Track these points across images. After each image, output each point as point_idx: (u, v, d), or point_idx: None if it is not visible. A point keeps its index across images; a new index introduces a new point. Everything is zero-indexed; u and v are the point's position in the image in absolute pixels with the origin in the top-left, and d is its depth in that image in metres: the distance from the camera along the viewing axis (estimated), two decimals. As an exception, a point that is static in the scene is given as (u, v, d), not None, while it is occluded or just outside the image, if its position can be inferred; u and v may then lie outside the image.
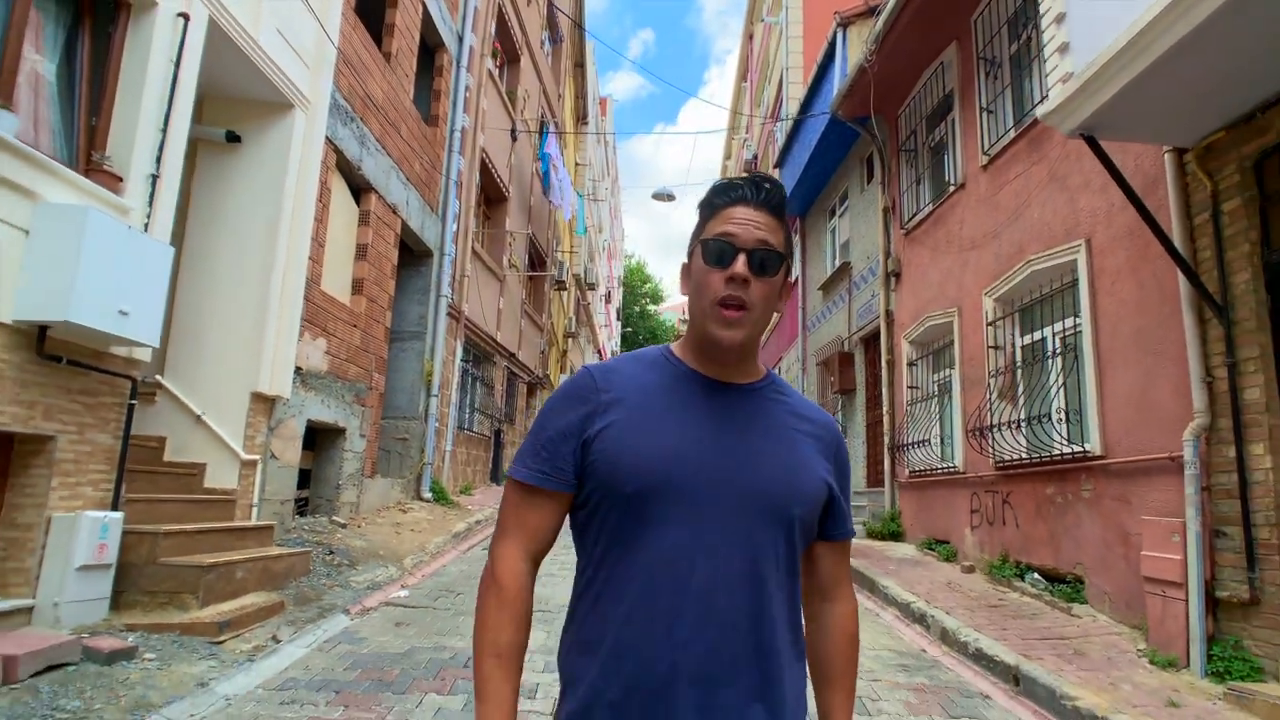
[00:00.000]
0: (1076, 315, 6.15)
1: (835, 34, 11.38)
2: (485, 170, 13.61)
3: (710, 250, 1.17)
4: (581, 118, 29.32)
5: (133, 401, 4.84)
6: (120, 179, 4.72)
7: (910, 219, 9.66)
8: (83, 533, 4.23)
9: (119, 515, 4.54)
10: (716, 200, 1.21)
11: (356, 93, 8.27)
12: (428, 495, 10.47)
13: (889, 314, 10.19)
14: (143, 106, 4.91)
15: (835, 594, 1.30)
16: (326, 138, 7.42)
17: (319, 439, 8.10)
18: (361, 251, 8.81)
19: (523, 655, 1.15)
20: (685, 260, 1.27)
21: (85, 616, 4.24)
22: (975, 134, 8.02)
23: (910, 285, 9.63)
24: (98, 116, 4.80)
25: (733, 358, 1.21)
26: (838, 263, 12.74)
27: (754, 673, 1.11)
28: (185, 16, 5.20)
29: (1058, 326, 6.53)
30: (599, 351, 43.77)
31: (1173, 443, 4.79)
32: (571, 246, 24.38)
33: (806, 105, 13.04)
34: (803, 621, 1.27)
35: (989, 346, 7.41)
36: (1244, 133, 4.48)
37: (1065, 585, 6.04)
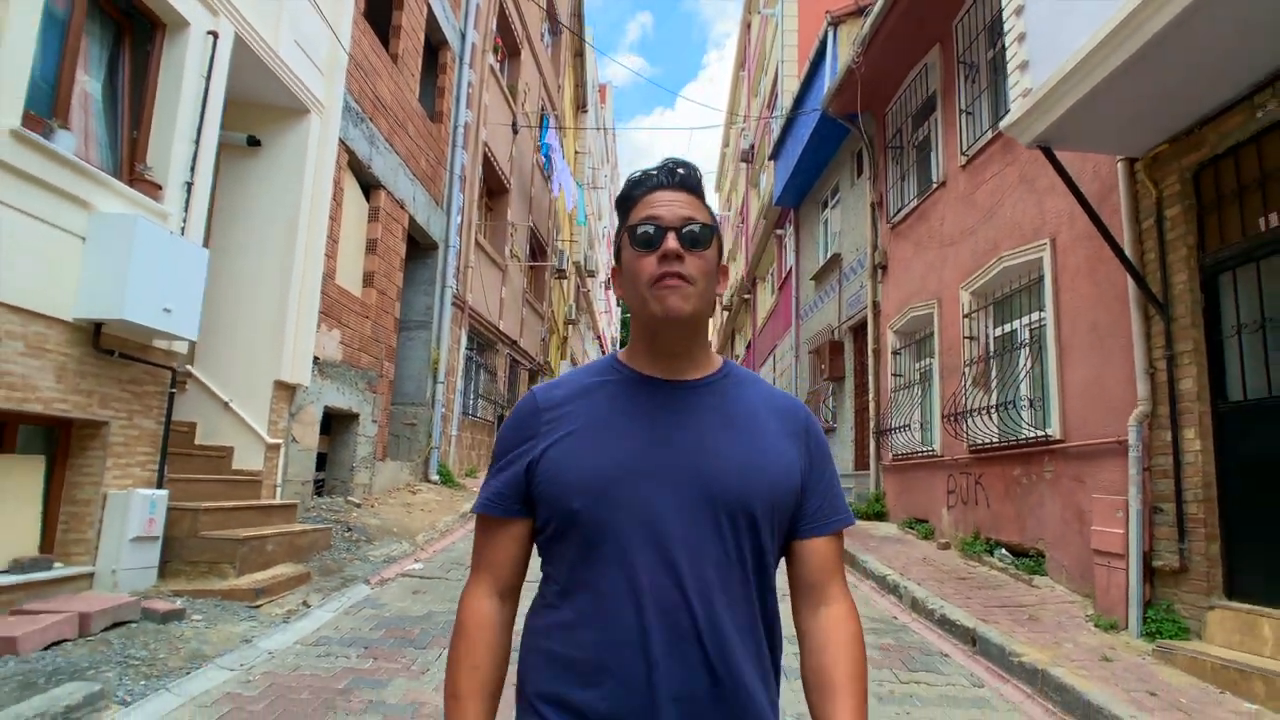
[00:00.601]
0: (1042, 310, 6.62)
1: (826, 33, 11.77)
2: (487, 163, 14.03)
3: (638, 238, 1.13)
4: (581, 106, 29.57)
5: (173, 390, 5.33)
6: (160, 187, 5.16)
7: (896, 214, 10.10)
8: (134, 508, 4.71)
9: (164, 493, 5.02)
10: (634, 192, 1.19)
11: (366, 94, 8.69)
12: (435, 478, 10.97)
13: (876, 305, 10.65)
14: (178, 119, 5.35)
15: (825, 595, 1.19)
16: (339, 139, 7.85)
17: (334, 424, 8.58)
18: (372, 246, 9.25)
19: (489, 694, 1.13)
20: (613, 264, 1.24)
21: (138, 583, 4.73)
22: (955, 134, 8.45)
23: (895, 278, 10.09)
24: (138, 129, 5.24)
25: (684, 338, 1.17)
26: (830, 254, 13.18)
27: (716, 689, 1.08)
28: (214, 34, 5.64)
29: (1026, 319, 7.00)
30: (599, 338, 44.23)
31: (1120, 428, 5.26)
32: (572, 235, 24.77)
33: (799, 101, 13.43)
34: (778, 628, 1.19)
35: (965, 337, 7.88)
36: (1183, 146, 4.92)
37: (1029, 559, 6.54)
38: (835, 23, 11.67)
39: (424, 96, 11.34)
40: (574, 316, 28.76)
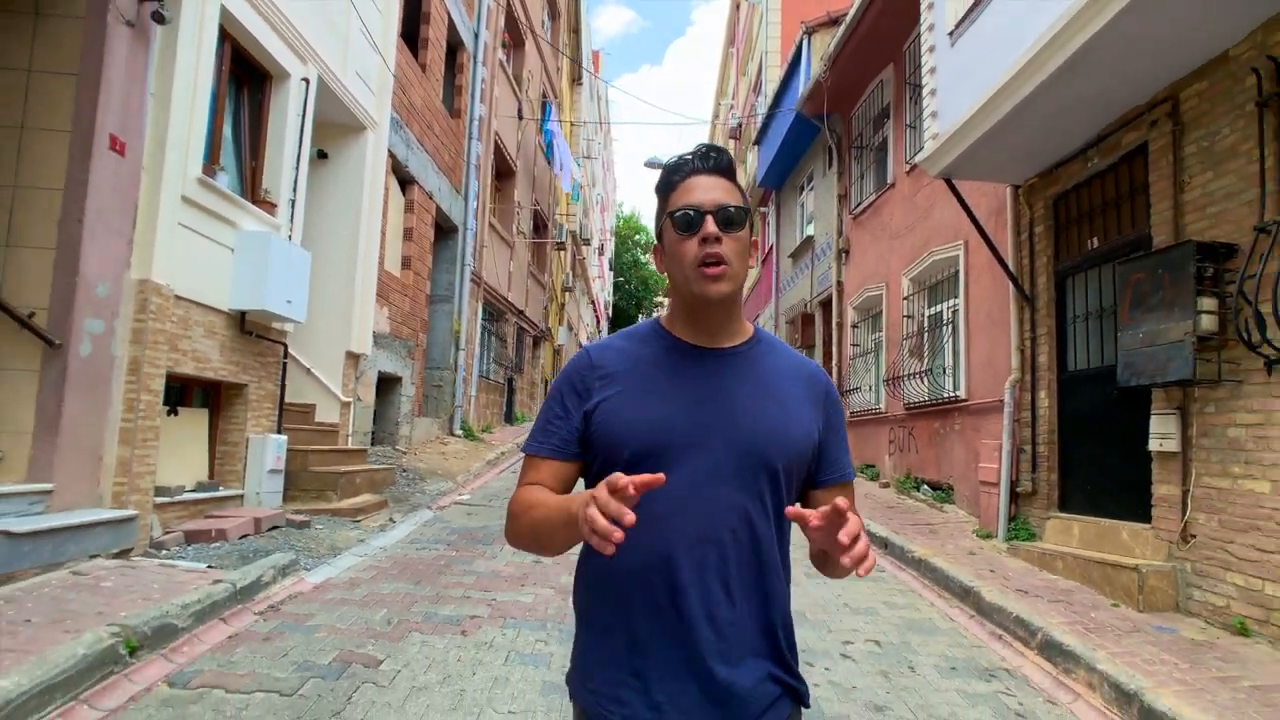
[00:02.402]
0: (957, 297, 8.32)
1: (801, 40, 13.26)
2: (497, 150, 15.52)
3: (679, 221, 1.23)
4: (576, 79, 30.77)
5: (285, 360, 6.98)
6: (275, 205, 6.76)
7: (857, 206, 11.74)
8: (268, 448, 6.40)
9: (284, 437, 6.71)
10: (673, 178, 1.28)
11: (403, 104, 10.20)
12: (459, 432, 12.69)
13: (839, 284, 12.34)
14: (285, 149, 6.93)
15: None
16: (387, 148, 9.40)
17: (383, 386, 10.26)
18: (408, 234, 10.84)
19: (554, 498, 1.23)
20: (656, 241, 1.34)
21: (272, 503, 6.44)
22: (903, 144, 10.06)
23: (855, 262, 11.77)
24: (255, 160, 6.82)
25: (722, 312, 1.28)
26: (805, 235, 14.80)
27: (755, 597, 1.24)
28: (307, 80, 7.18)
29: (948, 303, 8.71)
30: (593, 302, 45.75)
31: (1001, 390, 7.00)
32: (568, 210, 26.21)
33: (779, 96, 14.93)
34: (788, 565, 1.32)
35: (904, 316, 9.60)
36: (1048, 180, 6.58)
37: (942, 492, 8.34)
38: (810, 31, 13.15)
39: (444, 96, 12.80)
40: (570, 284, 30.28)
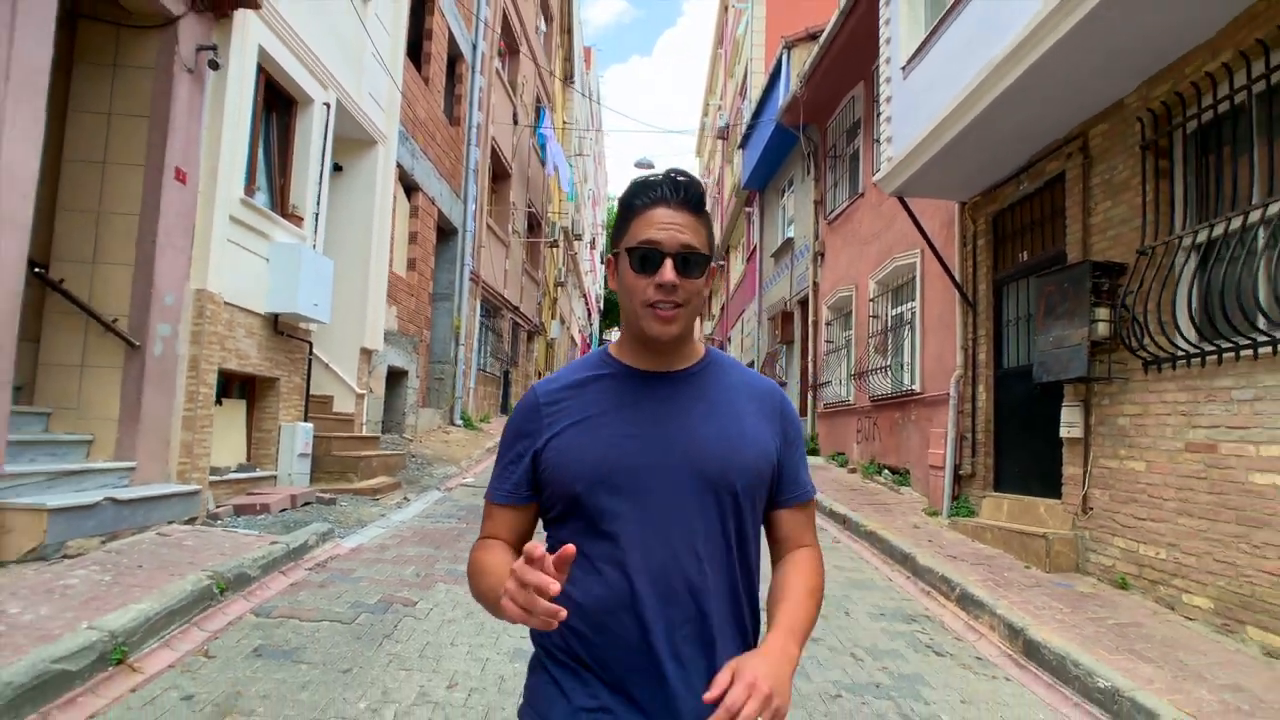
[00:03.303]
0: (914, 300, 9.21)
1: (781, 54, 14.08)
2: (494, 154, 16.30)
3: (636, 257, 1.20)
4: (568, 78, 31.48)
5: (311, 357, 7.80)
6: (302, 218, 7.58)
7: (832, 212, 12.60)
8: (297, 434, 7.23)
9: (310, 425, 7.54)
10: (636, 201, 1.23)
11: (409, 118, 10.99)
12: (459, 422, 13.53)
13: (816, 285, 13.22)
14: (309, 166, 7.73)
15: (796, 546, 1.34)
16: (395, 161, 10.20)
17: (391, 379, 11.07)
18: (413, 238, 11.65)
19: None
20: (611, 255, 1.30)
21: (302, 483, 7.27)
22: (871, 157, 10.91)
23: (830, 264, 12.64)
24: (283, 177, 7.63)
25: (669, 349, 1.26)
26: (785, 237, 15.67)
27: (704, 645, 1.20)
28: (328, 105, 7.98)
29: (908, 305, 9.59)
30: (585, 296, 46.56)
31: (948, 385, 7.89)
32: (560, 208, 26.99)
33: (760, 107, 15.76)
34: (756, 592, 1.30)
35: (870, 315, 10.48)
36: (989, 198, 7.45)
37: (900, 476, 9.24)
38: (789, 46, 13.97)
39: (445, 105, 13.58)
40: (563, 279, 31.05)
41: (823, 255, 13.01)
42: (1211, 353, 4.54)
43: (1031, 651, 4.23)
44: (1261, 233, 4.31)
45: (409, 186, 11.48)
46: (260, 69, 6.76)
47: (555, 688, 1.22)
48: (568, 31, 28.66)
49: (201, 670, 3.29)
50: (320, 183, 7.89)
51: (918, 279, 9.05)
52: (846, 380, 11.71)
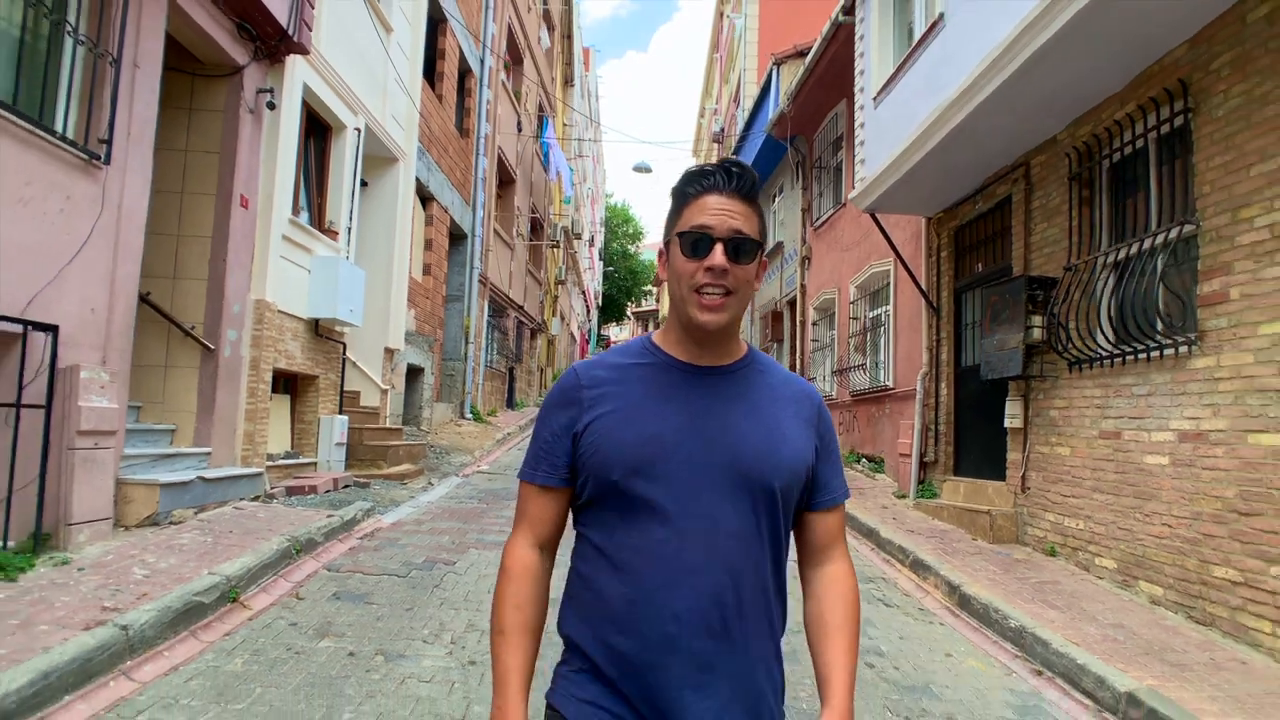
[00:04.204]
0: (889, 304, 10.11)
1: (771, 70, 14.95)
2: (500, 162, 17.16)
3: (687, 242, 1.20)
4: (568, 81, 32.31)
5: (345, 357, 8.70)
6: (338, 233, 8.46)
7: (818, 219, 13.49)
8: (336, 426, 8.13)
9: (345, 418, 8.43)
10: (689, 189, 1.24)
11: (425, 134, 11.86)
12: (469, 416, 14.43)
13: (803, 287, 14.12)
14: (343, 186, 8.62)
15: (828, 556, 1.34)
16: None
17: (409, 375, 11.96)
18: (428, 244, 12.54)
19: (530, 631, 1.25)
20: (662, 246, 1.30)
21: (339, 469, 8.17)
22: (852, 170, 11.79)
23: (815, 268, 13.54)
24: (321, 196, 8.51)
25: (716, 339, 1.26)
26: (775, 240, 16.56)
27: (727, 642, 1.19)
28: (359, 130, 8.86)
29: (883, 309, 10.50)
30: (584, 292, 47.43)
31: (915, 381, 8.80)
32: (561, 209, 27.86)
33: (752, 117, 16.64)
34: (785, 591, 1.31)
35: (851, 317, 11.38)
36: (951, 215, 8.35)
37: (876, 464, 10.15)
38: (779, 62, 14.83)
39: (455, 118, 14.44)
40: (563, 277, 31.92)
41: (809, 260, 13.91)
42: (1119, 355, 5.44)
43: (964, 603, 5.14)
44: (1161, 255, 5.20)
45: (425, 197, 12.35)
46: (304, 103, 7.64)
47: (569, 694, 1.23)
48: (568, 37, 29.50)
49: (296, 607, 4.20)
50: (352, 200, 8.78)
51: (891, 285, 9.95)
52: (830, 376, 12.62)
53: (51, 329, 4.14)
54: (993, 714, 3.57)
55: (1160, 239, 5.13)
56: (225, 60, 6.18)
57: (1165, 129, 5.18)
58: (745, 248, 1.20)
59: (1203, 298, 4.69)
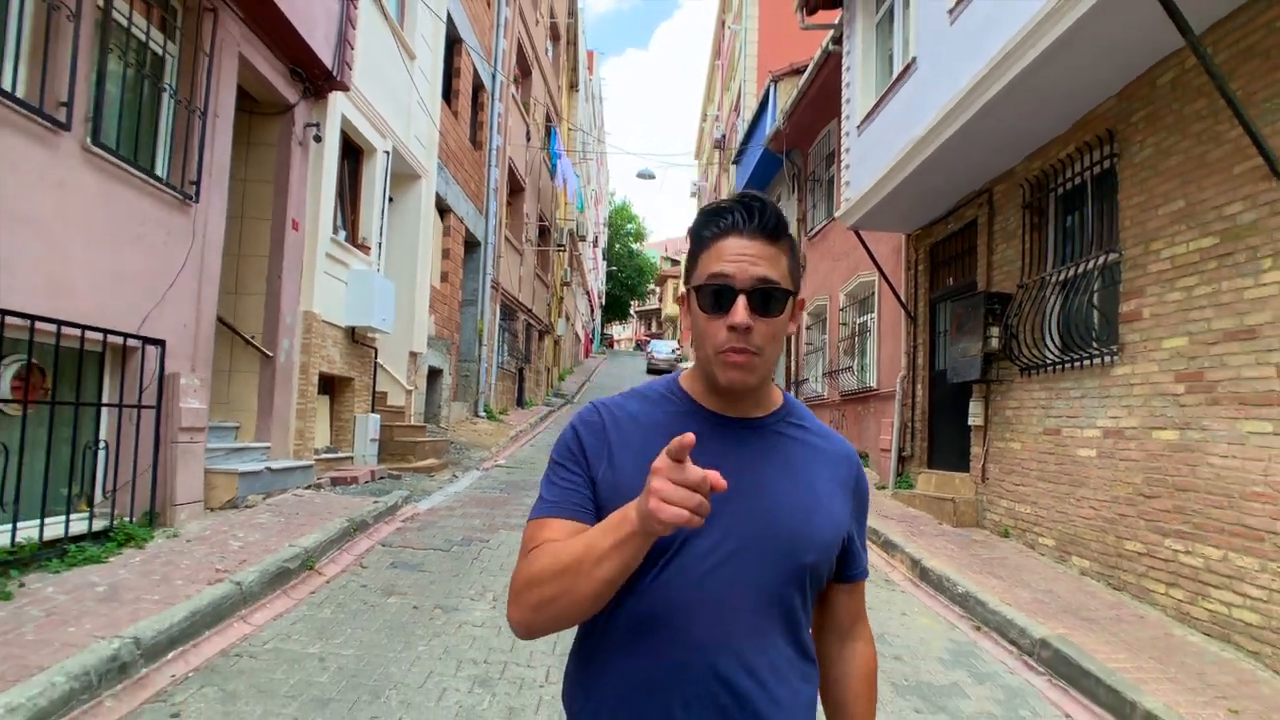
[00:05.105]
0: (874, 311, 10.96)
1: (769, 87, 15.79)
2: (510, 171, 18.01)
3: (706, 295, 1.08)
4: (573, 85, 33.13)
5: (377, 361, 9.56)
6: (369, 248, 9.32)
7: (812, 230, 14.34)
8: (370, 423, 9.00)
9: (378, 416, 9.30)
10: (705, 232, 1.12)
11: (443, 150, 12.71)
12: (482, 414, 15.30)
13: (797, 292, 14.96)
14: (374, 204, 9.47)
15: (852, 633, 1.27)
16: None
17: (430, 377, 12.83)
18: (446, 254, 13.40)
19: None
20: (683, 293, 1.19)
21: (372, 462, 9.03)
22: (842, 185, 12.64)
23: (809, 276, 14.39)
24: (354, 214, 9.37)
25: (744, 398, 1.16)
26: (773, 247, 17.38)
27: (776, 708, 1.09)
28: (387, 152, 9.72)
29: (869, 315, 11.35)
30: (588, 293, 48.30)
31: (895, 383, 9.64)
32: (566, 214, 28.71)
33: (751, 129, 17.47)
34: (813, 667, 1.19)
35: (840, 323, 12.24)
36: (927, 232, 9.20)
37: (862, 459, 10.98)
38: (776, 79, 15.66)
39: (470, 133, 15.28)
40: (568, 279, 32.77)
41: (804, 267, 14.75)
42: (1061, 363, 6.29)
43: (923, 575, 6.00)
44: (1096, 278, 6.04)
45: (443, 210, 13.20)
46: (342, 132, 8.49)
47: None
48: (572, 44, 30.29)
49: (362, 573, 5.07)
50: (382, 216, 9.64)
51: (876, 294, 10.80)
52: (821, 378, 13.47)
53: (160, 343, 5.01)
54: (933, 655, 4.44)
55: (1095, 263, 5.98)
56: (279, 100, 7.03)
57: (1098, 169, 6.03)
58: (774, 297, 1.08)
59: (1123, 316, 5.54)
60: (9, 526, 3.88)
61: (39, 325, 3.95)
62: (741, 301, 1.05)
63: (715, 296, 1.08)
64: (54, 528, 4.19)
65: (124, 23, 4.78)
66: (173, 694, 3.15)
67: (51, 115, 4.01)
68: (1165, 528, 4.95)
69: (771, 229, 1.09)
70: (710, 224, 1.12)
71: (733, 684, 1.07)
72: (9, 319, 3.74)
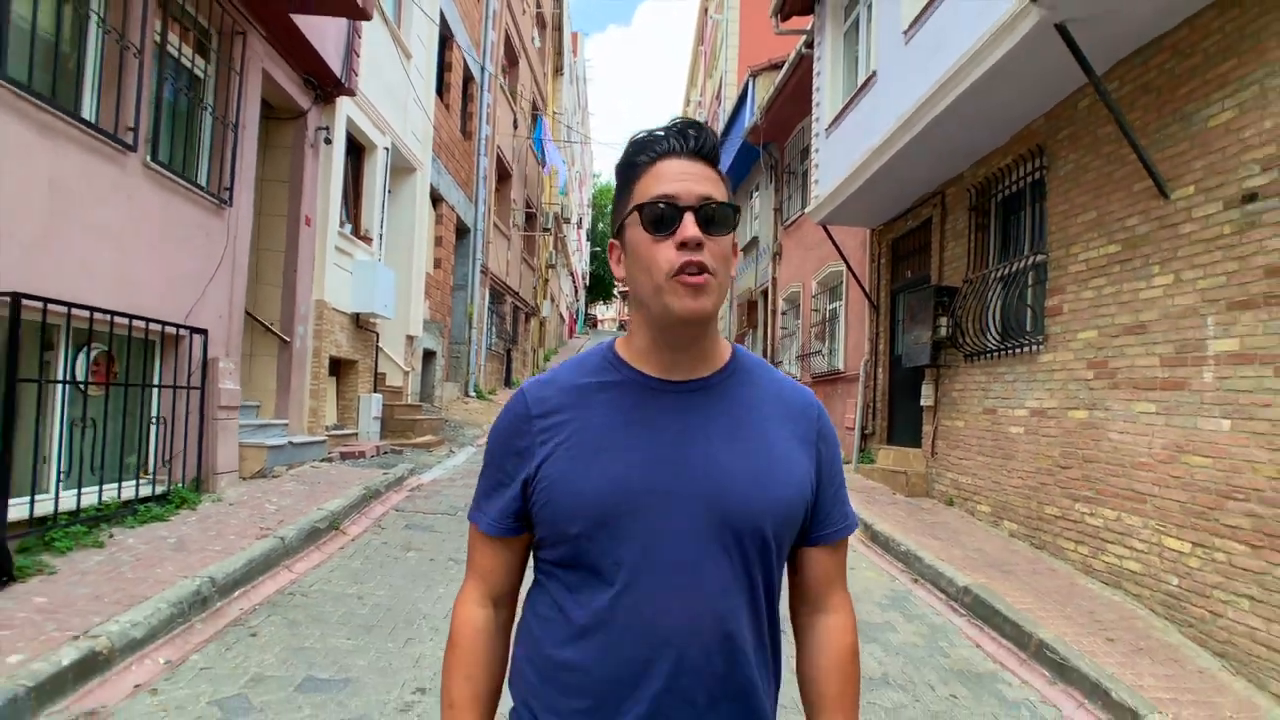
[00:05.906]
0: (842, 299, 11.75)
1: (748, 82, 16.43)
2: (498, 159, 18.59)
3: (649, 218, 1.00)
4: (558, 70, 33.53)
5: (379, 346, 10.24)
6: (371, 239, 9.97)
7: (787, 219, 15.08)
8: (373, 403, 9.69)
9: (380, 396, 9.99)
10: (640, 159, 1.05)
11: (436, 142, 13.30)
12: (473, 394, 16.00)
13: (774, 279, 15.74)
14: (375, 197, 10.11)
15: (826, 603, 1.16)
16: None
17: (424, 359, 13.51)
18: (438, 241, 14.03)
19: (484, 699, 1.10)
20: (613, 238, 1.10)
21: (375, 439, 9.74)
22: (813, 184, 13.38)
23: (785, 264, 15.17)
24: (357, 207, 10.01)
25: (698, 333, 1.05)
26: (752, 234, 18.14)
27: (735, 711, 1.04)
28: (387, 149, 10.34)
29: (838, 303, 12.14)
30: (572, 274, 48.86)
31: (859, 367, 10.44)
32: (552, 198, 29.26)
33: (732, 120, 18.14)
34: (780, 650, 1.13)
35: (812, 309, 13.02)
36: (890, 227, 9.96)
37: (830, 437, 11.84)
38: (754, 74, 16.31)
39: (460, 123, 15.85)
40: (554, 261, 33.35)
41: (780, 255, 15.52)
42: (998, 350, 7.09)
43: (874, 537, 6.82)
44: (1029, 275, 6.82)
45: (436, 199, 13.81)
46: (347, 133, 9.11)
47: None
48: (558, 29, 30.70)
49: (381, 533, 5.81)
50: (382, 209, 10.28)
51: (844, 284, 11.58)
52: (795, 361, 14.28)
53: (203, 332, 5.69)
54: (873, 600, 5.24)
55: (1028, 262, 6.76)
56: (294, 106, 7.66)
57: (1032, 179, 6.80)
58: (720, 215, 1.01)
59: (1048, 310, 6.34)
60: (96, 488, 4.58)
61: (116, 319, 4.63)
62: (689, 216, 0.99)
63: (659, 218, 1.00)
64: (127, 490, 4.90)
65: (174, 53, 5.42)
66: (247, 620, 3.88)
67: (121, 139, 4.66)
68: (1076, 494, 5.78)
69: (710, 153, 1.05)
70: (643, 150, 1.06)
71: (705, 673, 1.02)
72: (95, 315, 4.41)
